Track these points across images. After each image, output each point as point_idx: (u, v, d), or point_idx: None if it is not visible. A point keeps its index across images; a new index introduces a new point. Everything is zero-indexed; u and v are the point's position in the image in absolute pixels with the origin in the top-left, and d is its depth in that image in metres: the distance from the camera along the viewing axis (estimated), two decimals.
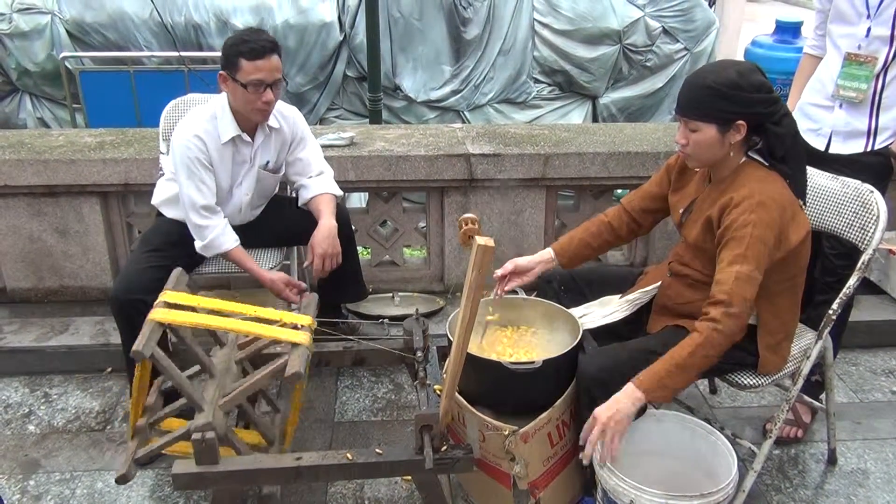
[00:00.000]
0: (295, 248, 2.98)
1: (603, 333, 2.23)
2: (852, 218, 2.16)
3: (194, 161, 2.50)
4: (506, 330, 2.35)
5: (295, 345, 1.98)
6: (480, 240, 1.65)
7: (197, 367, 2.15)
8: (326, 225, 2.60)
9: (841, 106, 2.48)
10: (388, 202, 3.42)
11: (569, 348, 2.10)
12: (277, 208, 2.84)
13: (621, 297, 2.28)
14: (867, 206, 2.12)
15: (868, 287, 3.37)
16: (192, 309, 2.02)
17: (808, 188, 2.25)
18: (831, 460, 2.55)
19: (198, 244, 2.59)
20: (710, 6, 8.19)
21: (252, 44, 2.38)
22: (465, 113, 6.33)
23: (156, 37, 5.89)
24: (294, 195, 2.84)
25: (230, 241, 2.59)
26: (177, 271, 2.20)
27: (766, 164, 1.98)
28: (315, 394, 2.91)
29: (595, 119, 6.55)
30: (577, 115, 6.52)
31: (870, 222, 2.11)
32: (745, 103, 1.88)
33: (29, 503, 2.38)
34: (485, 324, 2.27)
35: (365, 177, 3.19)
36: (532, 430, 2.02)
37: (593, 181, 3.30)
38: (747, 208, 1.88)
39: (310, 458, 1.94)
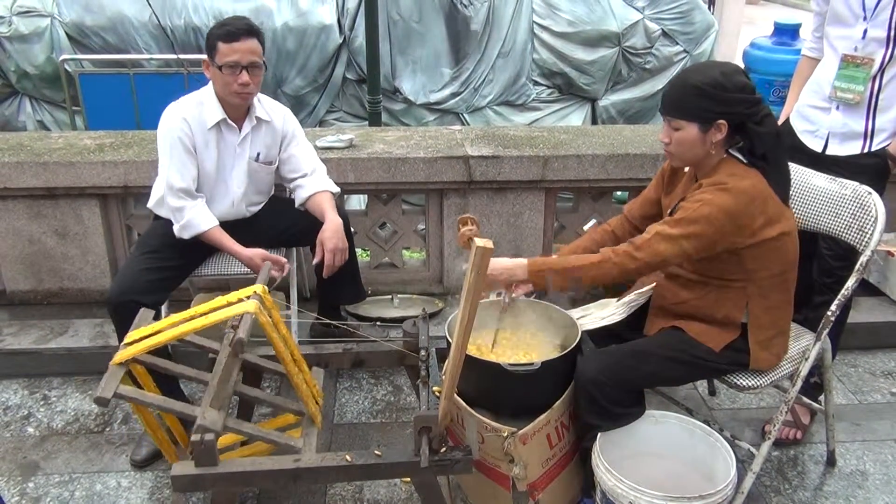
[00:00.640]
0: (295, 249, 2.98)
1: (601, 335, 2.23)
2: (850, 219, 2.16)
3: (176, 142, 2.54)
4: (505, 332, 2.35)
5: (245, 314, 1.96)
6: (479, 241, 1.66)
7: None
8: (334, 221, 2.62)
9: (838, 107, 2.48)
10: (387, 204, 3.43)
11: (567, 350, 2.10)
12: (277, 209, 2.85)
13: (618, 299, 2.29)
14: (865, 207, 2.12)
15: (867, 289, 3.37)
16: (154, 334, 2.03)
17: (806, 190, 2.27)
18: (830, 462, 2.55)
19: (176, 227, 2.60)
20: (709, 9, 8.21)
21: (229, 27, 2.46)
22: (465, 115, 6.33)
23: (155, 39, 5.90)
24: (292, 196, 2.85)
25: (207, 221, 2.59)
26: (141, 313, 2.17)
27: (745, 161, 2.00)
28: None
29: (594, 121, 6.56)
30: (577, 117, 6.52)
31: (868, 224, 2.11)
32: (726, 103, 1.90)
33: None
34: (495, 332, 2.27)
35: (364, 179, 3.19)
36: (531, 431, 2.03)
37: (592, 183, 3.31)
38: (709, 190, 1.94)
39: (309, 459, 1.94)
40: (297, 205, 2.78)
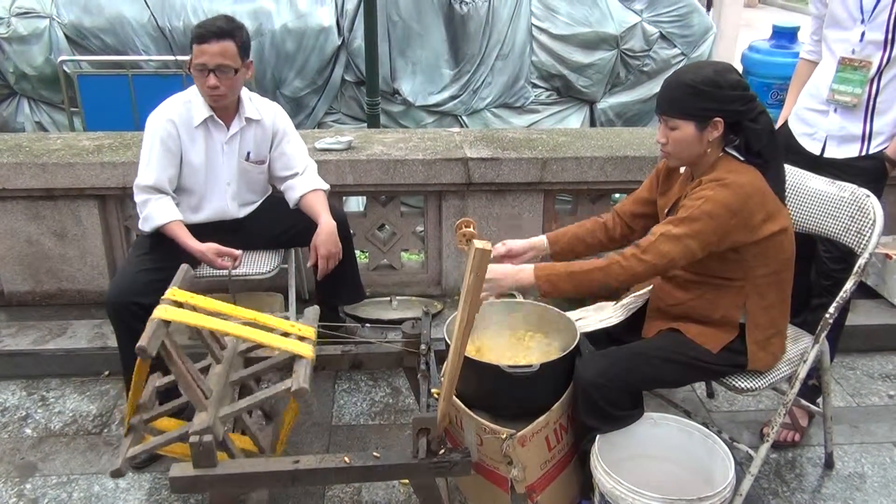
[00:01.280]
0: (293, 249, 2.98)
1: (599, 337, 2.24)
2: (848, 222, 2.16)
3: (157, 142, 2.56)
4: (504, 334, 2.35)
5: (299, 357, 1.98)
6: (478, 243, 1.66)
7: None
8: (327, 224, 2.63)
9: (836, 110, 2.49)
10: (385, 206, 3.43)
11: (566, 352, 2.10)
12: (275, 210, 2.85)
13: (616, 302, 2.30)
14: (863, 210, 2.12)
15: (865, 291, 3.38)
16: (195, 309, 2.02)
17: (804, 192, 2.27)
18: (828, 464, 2.56)
19: (140, 222, 2.62)
20: (708, 11, 8.22)
21: (201, 28, 2.48)
22: (464, 117, 6.33)
23: (154, 41, 5.90)
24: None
25: (165, 215, 2.58)
26: (184, 268, 2.18)
27: (742, 158, 2.01)
28: (313, 398, 2.91)
29: (593, 124, 6.56)
30: (575, 119, 6.53)
31: (866, 226, 2.11)
32: (722, 100, 1.91)
33: None
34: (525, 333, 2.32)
35: (363, 181, 3.20)
36: (529, 433, 2.03)
37: (591, 185, 3.31)
38: (710, 187, 1.94)
39: (307, 461, 1.94)
40: (291, 205, 2.78)
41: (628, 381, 2.05)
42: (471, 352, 2.09)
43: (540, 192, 3.30)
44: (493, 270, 2.00)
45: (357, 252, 3.19)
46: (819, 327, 2.17)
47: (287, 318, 2.84)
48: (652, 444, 2.13)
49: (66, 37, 5.86)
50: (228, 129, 2.65)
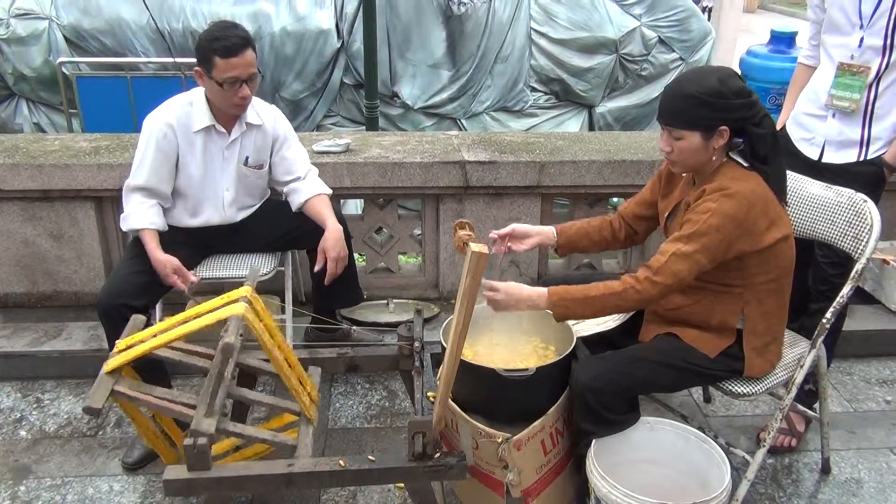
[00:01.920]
0: (290, 253, 2.97)
1: (596, 341, 2.23)
2: (846, 227, 2.16)
3: (152, 145, 2.55)
4: (500, 337, 2.34)
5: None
6: (475, 246, 1.65)
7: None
8: (335, 229, 2.62)
9: (834, 115, 2.49)
10: (383, 209, 3.43)
11: (562, 356, 2.10)
12: (273, 214, 2.84)
13: None
14: (861, 215, 2.12)
15: (862, 297, 3.37)
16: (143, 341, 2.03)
17: (802, 197, 2.27)
18: (825, 470, 2.55)
19: (121, 220, 2.64)
20: (706, 16, 8.24)
21: (224, 41, 2.40)
22: (462, 121, 6.34)
23: (153, 43, 5.91)
24: (286, 200, 2.84)
25: (141, 220, 2.56)
26: (133, 319, 2.18)
27: (746, 164, 2.00)
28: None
29: (591, 128, 6.58)
30: (574, 123, 6.54)
31: (863, 232, 2.11)
32: (727, 109, 1.90)
33: None
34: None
35: (360, 183, 3.19)
36: (525, 437, 2.02)
37: (588, 189, 3.31)
38: (714, 198, 1.93)
39: (302, 464, 1.93)
40: (294, 209, 2.77)
41: (624, 385, 2.04)
42: (467, 355, 2.09)
43: (537, 195, 3.30)
44: (508, 292, 1.99)
45: (354, 255, 3.19)
46: (816, 332, 2.16)
47: (283, 320, 2.84)
48: (648, 448, 2.12)
49: (65, 38, 5.87)
50: (230, 134, 2.63)
